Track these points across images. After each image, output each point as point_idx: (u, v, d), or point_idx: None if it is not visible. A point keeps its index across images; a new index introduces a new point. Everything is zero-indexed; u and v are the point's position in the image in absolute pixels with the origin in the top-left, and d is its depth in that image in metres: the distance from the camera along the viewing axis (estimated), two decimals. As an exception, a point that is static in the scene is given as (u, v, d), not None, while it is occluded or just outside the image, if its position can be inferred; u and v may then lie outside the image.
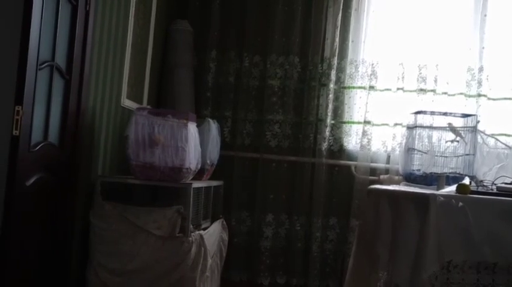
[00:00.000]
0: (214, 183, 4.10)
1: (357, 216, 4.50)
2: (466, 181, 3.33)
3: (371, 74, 4.70)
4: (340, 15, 4.71)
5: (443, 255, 2.79)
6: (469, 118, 3.53)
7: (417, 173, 3.53)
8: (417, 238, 2.83)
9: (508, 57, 4.66)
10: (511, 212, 2.89)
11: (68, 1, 3.02)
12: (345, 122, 4.77)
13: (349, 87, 4.77)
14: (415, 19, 4.69)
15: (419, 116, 3.55)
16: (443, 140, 3.49)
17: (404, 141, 3.70)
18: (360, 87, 4.75)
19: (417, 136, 3.53)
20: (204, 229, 3.62)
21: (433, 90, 4.65)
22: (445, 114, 3.60)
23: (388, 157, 4.67)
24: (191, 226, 3.31)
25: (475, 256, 2.83)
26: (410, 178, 3.59)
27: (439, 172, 3.38)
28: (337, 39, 4.71)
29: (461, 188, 3.01)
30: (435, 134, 3.52)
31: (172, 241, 3.23)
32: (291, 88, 4.76)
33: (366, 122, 4.67)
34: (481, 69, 4.63)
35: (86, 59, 3.20)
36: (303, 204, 4.70)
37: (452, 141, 3.45)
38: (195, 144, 3.46)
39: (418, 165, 3.53)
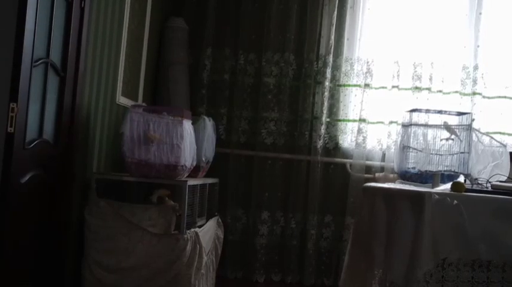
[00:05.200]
0: (209, 180, 4.10)
1: (352, 214, 4.51)
2: (461, 179, 3.34)
3: (366, 72, 4.71)
4: (335, 12, 4.72)
5: (438, 253, 2.80)
6: (464, 116, 3.52)
7: (412, 171, 3.52)
8: (412, 236, 2.84)
9: (502, 56, 4.68)
10: (506, 210, 2.90)
11: (63, -2, 3.01)
12: (340, 120, 4.78)
13: (344, 85, 4.78)
14: (411, 17, 4.70)
15: (414, 114, 3.54)
16: (438, 138, 3.48)
17: (399, 139, 3.69)
18: (355, 85, 4.76)
19: (412, 134, 3.52)
20: (200, 227, 3.62)
21: (428, 89, 4.66)
22: (440, 112, 3.59)
23: (383, 154, 4.68)
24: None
25: (470, 254, 2.84)
26: (405, 175, 3.58)
27: (434, 170, 3.38)
28: (332, 37, 4.71)
29: (456, 186, 3.01)
30: (430, 132, 3.51)
31: (168, 238, 3.23)
32: (286, 86, 4.76)
33: (361, 120, 4.68)
34: (476, 68, 4.65)
35: (81, 56, 3.20)
36: (298, 202, 4.70)
37: (447, 139, 3.45)
38: (191, 141, 3.46)
39: (413, 163, 3.52)
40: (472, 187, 3.22)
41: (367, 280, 3.26)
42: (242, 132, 4.82)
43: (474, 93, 4.64)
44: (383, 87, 4.73)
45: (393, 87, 4.70)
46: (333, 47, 4.72)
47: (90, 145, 3.46)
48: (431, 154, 3.45)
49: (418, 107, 3.80)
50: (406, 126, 3.59)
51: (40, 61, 2.80)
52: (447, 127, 3.46)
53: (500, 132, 4.59)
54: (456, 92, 4.67)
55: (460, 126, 3.48)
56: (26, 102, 2.66)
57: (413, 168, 3.52)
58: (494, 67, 4.66)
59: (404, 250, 2.85)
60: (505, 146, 3.79)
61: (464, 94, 4.66)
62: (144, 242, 3.20)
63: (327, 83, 4.70)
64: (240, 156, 4.80)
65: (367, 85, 4.71)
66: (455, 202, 2.85)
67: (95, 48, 3.39)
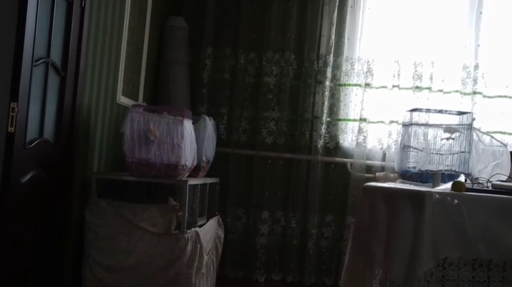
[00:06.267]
0: (210, 180, 4.09)
1: (353, 213, 4.51)
2: (462, 178, 3.34)
3: (367, 72, 4.71)
4: (336, 12, 4.71)
5: (438, 252, 2.80)
6: (465, 116, 3.52)
7: (413, 170, 3.52)
8: (413, 235, 2.84)
9: (503, 55, 4.67)
10: (506, 209, 2.90)
11: (63, -3, 3.01)
12: (340, 120, 4.77)
13: (344, 85, 4.77)
14: (411, 16, 4.70)
15: (414, 113, 3.55)
16: (439, 138, 3.49)
17: (399, 138, 3.70)
18: (355, 85, 4.75)
19: (413, 134, 3.53)
20: (200, 226, 3.62)
21: (429, 88, 4.65)
22: (440, 111, 3.60)
23: (384, 154, 4.68)
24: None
25: (470, 253, 2.84)
26: (405, 175, 3.59)
27: (435, 170, 3.38)
28: (333, 37, 4.71)
29: (457, 186, 3.01)
30: (431, 132, 3.52)
31: (168, 237, 3.23)
32: (286, 85, 4.76)
33: (362, 120, 4.68)
34: (476, 67, 4.64)
35: (82, 56, 3.20)
36: (299, 201, 4.70)
37: (447, 138, 3.45)
38: (191, 141, 3.46)
39: (414, 162, 3.52)
40: (472, 186, 3.22)
41: (368, 279, 3.26)
42: (242, 131, 4.82)
43: (475, 93, 4.64)
44: (383, 87, 4.72)
45: (394, 86, 4.69)
46: (333, 47, 4.72)
47: (91, 144, 3.46)
48: (432, 153, 3.45)
49: (419, 107, 3.80)
50: (406, 125, 3.60)
51: (40, 61, 2.80)
52: (448, 128, 3.46)
53: (500, 132, 4.58)
54: (457, 91, 4.67)
55: (460, 126, 3.48)
56: (26, 102, 2.66)
57: (414, 167, 3.52)
58: (495, 66, 4.66)
59: (404, 249, 2.85)
60: (505, 145, 3.79)
61: (465, 93, 4.66)
62: (144, 242, 3.20)
63: (327, 83, 4.70)
64: (240, 155, 4.80)
65: (367, 85, 4.71)
66: (456, 201, 2.85)
67: (95, 48, 3.39)
